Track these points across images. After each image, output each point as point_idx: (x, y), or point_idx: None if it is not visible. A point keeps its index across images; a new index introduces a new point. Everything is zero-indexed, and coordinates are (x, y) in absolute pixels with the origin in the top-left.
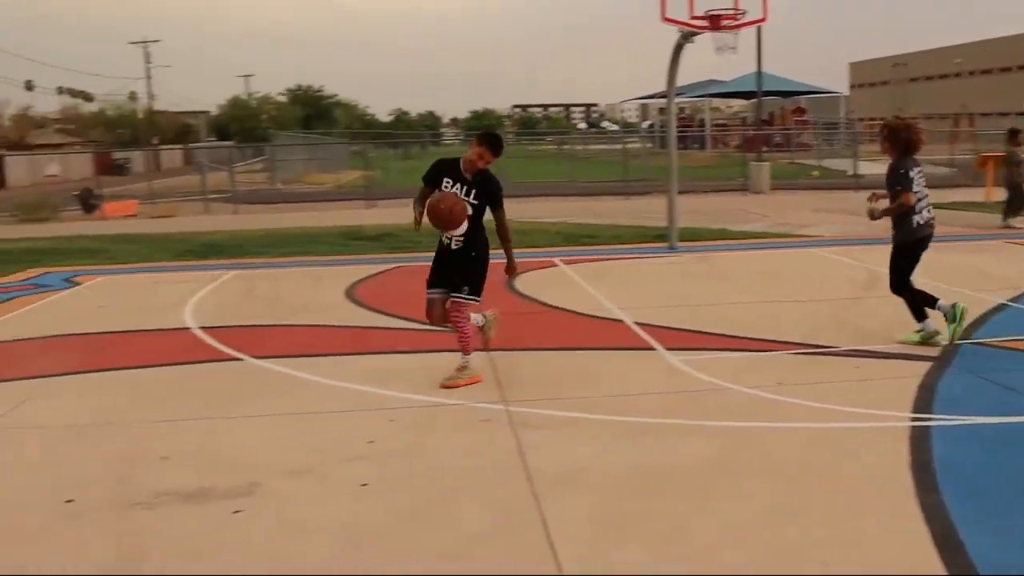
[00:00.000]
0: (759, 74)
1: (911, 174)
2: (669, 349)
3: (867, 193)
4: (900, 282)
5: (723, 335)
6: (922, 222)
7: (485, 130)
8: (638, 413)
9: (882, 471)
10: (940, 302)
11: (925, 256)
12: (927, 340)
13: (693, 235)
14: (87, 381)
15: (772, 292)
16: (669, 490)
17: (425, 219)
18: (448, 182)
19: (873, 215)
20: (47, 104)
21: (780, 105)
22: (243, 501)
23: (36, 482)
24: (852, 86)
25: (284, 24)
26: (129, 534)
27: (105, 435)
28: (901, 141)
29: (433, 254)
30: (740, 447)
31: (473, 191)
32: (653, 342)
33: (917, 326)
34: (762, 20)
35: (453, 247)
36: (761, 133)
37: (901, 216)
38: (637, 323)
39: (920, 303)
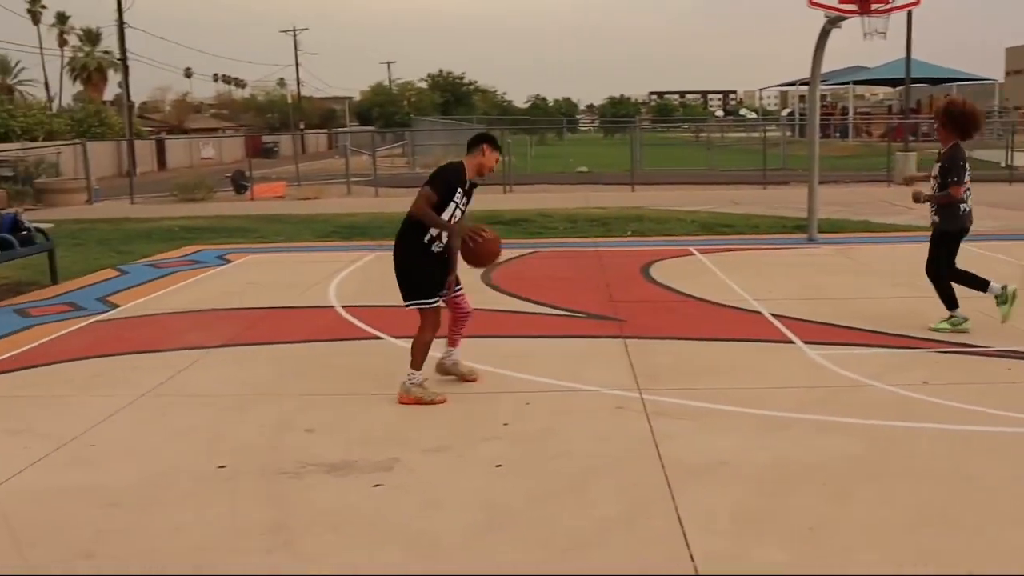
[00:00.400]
0: (908, 60)
1: (966, 165)
2: (808, 343)
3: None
4: (939, 269)
5: (865, 330)
6: (967, 211)
7: (488, 133)
8: (776, 407)
9: None
10: (992, 284)
11: None
12: (956, 327)
13: (834, 227)
14: (239, 354)
15: (917, 288)
16: (807, 487)
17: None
18: (460, 192)
19: (918, 199)
20: (204, 90)
21: (929, 93)
22: (383, 475)
23: (192, 447)
24: (1007, 73)
25: (426, 12)
26: (275, 501)
27: (255, 406)
28: (959, 126)
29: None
30: (883, 447)
31: (471, 194)
32: (791, 335)
33: (947, 314)
34: (914, 3)
35: (441, 248)
36: (907, 122)
37: (948, 204)
38: (774, 315)
39: (951, 291)
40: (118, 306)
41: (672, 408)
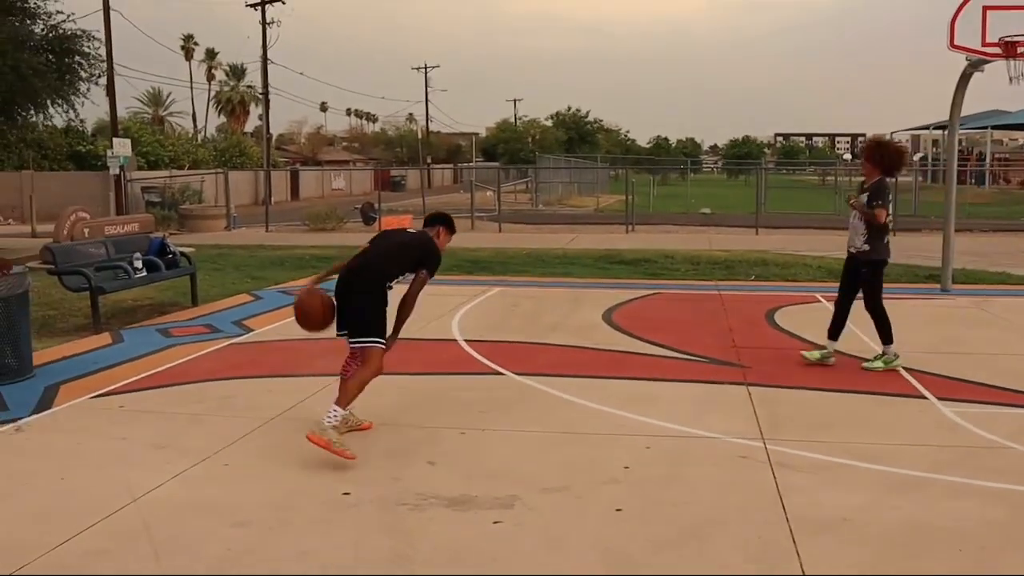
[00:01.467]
0: None
1: (891, 197)
2: (941, 399)
3: None
4: (878, 301)
5: (1003, 388)
6: (888, 243)
7: (448, 216)
8: (907, 465)
9: None
10: (892, 345)
11: None
12: (889, 364)
13: (969, 277)
14: None
15: None
16: (941, 552)
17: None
18: None
19: (854, 204)
20: (338, 124)
21: None
22: (503, 512)
23: (318, 472)
24: None
25: (554, 51)
26: (397, 532)
27: (379, 436)
28: (885, 163)
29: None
30: None
31: None
32: (923, 390)
33: (882, 351)
34: None
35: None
36: None
37: (880, 234)
38: (906, 368)
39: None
40: (252, 330)
41: (797, 460)
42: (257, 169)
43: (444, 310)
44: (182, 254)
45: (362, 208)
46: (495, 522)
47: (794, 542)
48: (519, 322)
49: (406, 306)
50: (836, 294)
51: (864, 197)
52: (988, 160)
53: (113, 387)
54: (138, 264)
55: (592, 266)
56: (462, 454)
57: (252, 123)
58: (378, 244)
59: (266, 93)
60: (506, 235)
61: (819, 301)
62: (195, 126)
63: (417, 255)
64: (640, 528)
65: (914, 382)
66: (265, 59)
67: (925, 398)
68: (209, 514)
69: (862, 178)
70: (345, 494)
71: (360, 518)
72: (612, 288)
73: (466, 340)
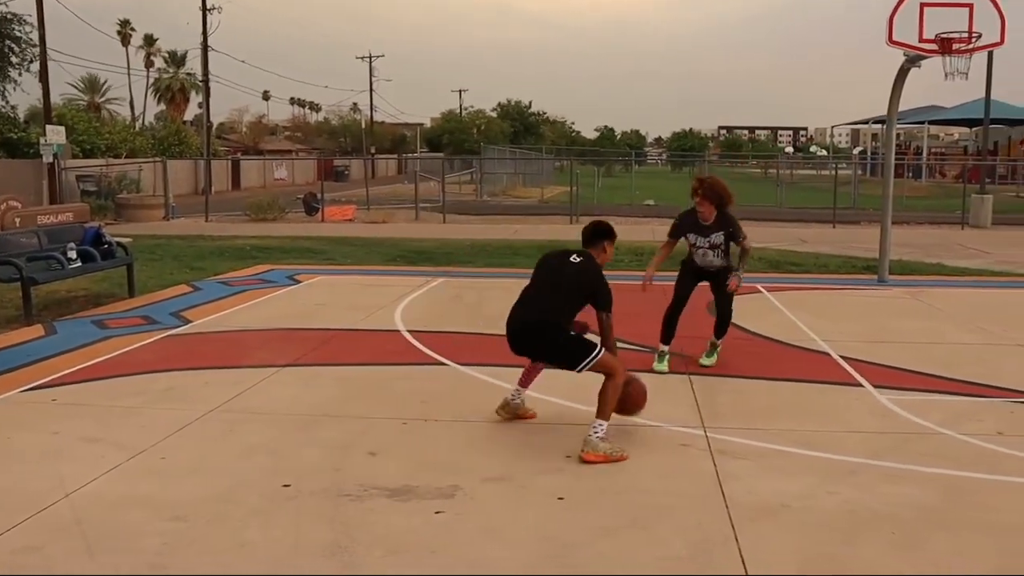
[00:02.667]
0: (987, 101)
1: None
2: (877, 387)
3: None
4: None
5: (937, 376)
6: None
7: (608, 228)
8: (843, 452)
9: None
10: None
11: None
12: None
13: (905, 268)
14: (306, 373)
15: (993, 334)
16: (877, 536)
17: None
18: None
19: (736, 286)
20: (280, 113)
21: (1008, 134)
22: (444, 503)
23: (257, 465)
24: None
25: (501, 41)
26: (337, 523)
27: (319, 426)
28: (721, 199)
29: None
30: (956, 498)
31: None
32: (860, 378)
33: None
34: (998, 44)
35: None
36: (984, 164)
37: (742, 257)
38: (843, 357)
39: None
40: (191, 321)
41: (737, 448)
42: (197, 158)
43: (387, 300)
44: (118, 244)
45: (304, 198)
46: (436, 512)
47: (733, 528)
48: (463, 313)
49: (610, 349)
50: (677, 298)
51: (718, 237)
52: (925, 154)
53: (45, 380)
54: (72, 254)
55: (536, 256)
56: (404, 444)
57: (192, 111)
58: (543, 279)
59: (206, 80)
60: (450, 226)
61: (760, 292)
62: (133, 114)
63: (587, 290)
64: (581, 516)
65: (851, 370)
66: (205, 46)
67: (861, 386)
68: (145, 508)
69: (698, 212)
70: (285, 486)
71: (300, 510)
72: None
73: (409, 331)
